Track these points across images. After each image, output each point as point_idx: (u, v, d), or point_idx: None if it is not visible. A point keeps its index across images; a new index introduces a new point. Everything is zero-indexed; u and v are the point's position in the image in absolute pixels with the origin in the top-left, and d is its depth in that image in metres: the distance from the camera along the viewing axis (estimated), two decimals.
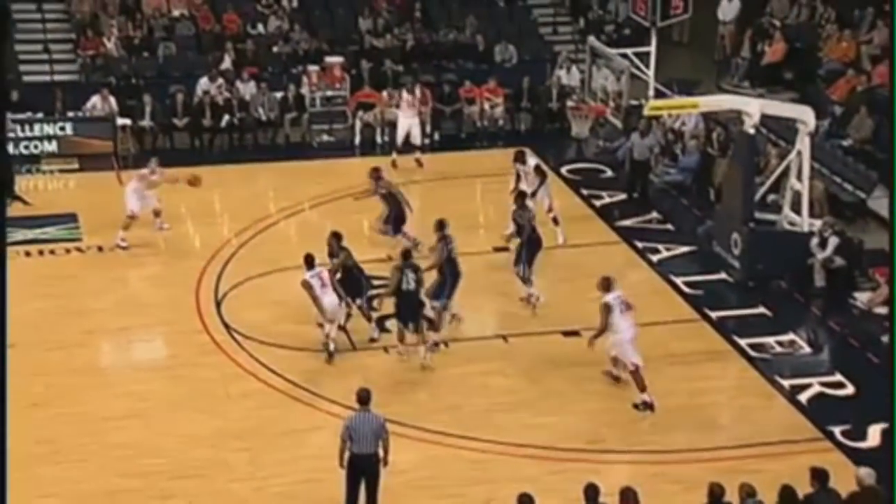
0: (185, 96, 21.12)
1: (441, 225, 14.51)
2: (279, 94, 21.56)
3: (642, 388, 12.92)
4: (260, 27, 23.22)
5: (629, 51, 21.93)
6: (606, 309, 12.94)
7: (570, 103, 22.09)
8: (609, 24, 24.16)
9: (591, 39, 22.90)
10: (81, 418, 12.69)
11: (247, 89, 21.48)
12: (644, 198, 18.73)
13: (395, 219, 16.46)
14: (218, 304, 15.29)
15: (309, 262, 13.91)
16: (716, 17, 24.13)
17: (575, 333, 14.55)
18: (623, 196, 18.89)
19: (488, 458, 12.11)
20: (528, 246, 15.13)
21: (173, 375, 13.67)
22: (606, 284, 13.18)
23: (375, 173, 16.65)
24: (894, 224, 14.19)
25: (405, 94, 20.09)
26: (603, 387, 13.44)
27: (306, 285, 13.72)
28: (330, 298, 13.75)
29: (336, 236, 14.58)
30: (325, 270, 13.93)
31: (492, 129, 21.77)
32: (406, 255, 14.08)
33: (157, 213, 17.24)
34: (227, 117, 21.11)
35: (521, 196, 15.95)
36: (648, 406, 12.90)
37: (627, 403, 13.06)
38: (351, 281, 14.45)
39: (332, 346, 13.79)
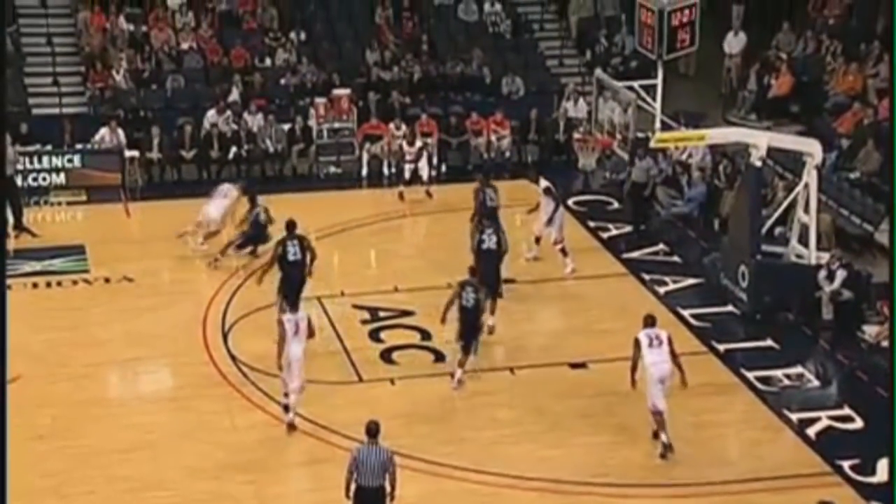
0: (193, 128, 21.23)
1: None
2: (287, 126, 21.66)
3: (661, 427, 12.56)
4: (268, 60, 23.35)
5: (636, 83, 21.99)
6: (636, 344, 12.60)
7: (576, 135, 22.15)
8: (616, 57, 24.25)
9: (598, 72, 22.99)
10: (87, 451, 12.65)
11: (254, 121, 21.58)
12: (643, 220, 18.90)
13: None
14: (224, 336, 15.28)
15: (294, 305, 13.32)
16: (722, 50, 24.22)
17: (582, 366, 14.52)
18: (631, 228, 18.93)
19: (495, 492, 12.04)
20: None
21: (179, 407, 13.64)
22: (648, 321, 12.81)
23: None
24: (894, 227, 14.13)
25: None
26: (610, 419, 13.38)
27: (280, 324, 13.03)
28: (296, 348, 12.87)
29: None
30: (306, 319, 13.13)
31: (498, 160, 21.83)
32: (472, 272, 14.28)
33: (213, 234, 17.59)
34: (234, 149, 21.20)
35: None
36: (668, 447, 12.60)
37: (636, 437, 13.00)
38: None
39: (291, 416, 12.95)
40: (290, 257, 14.89)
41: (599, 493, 12.01)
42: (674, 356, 12.64)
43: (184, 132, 21.17)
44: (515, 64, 23.89)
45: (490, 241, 15.29)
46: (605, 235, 18.78)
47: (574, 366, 14.56)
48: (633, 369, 12.68)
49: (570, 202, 19.91)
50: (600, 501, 11.53)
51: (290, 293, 14.27)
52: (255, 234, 17.03)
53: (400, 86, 22.82)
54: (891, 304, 14.27)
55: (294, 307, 13.26)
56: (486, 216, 16.12)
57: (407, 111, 22.20)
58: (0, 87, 8.71)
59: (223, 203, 17.66)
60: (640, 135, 21.24)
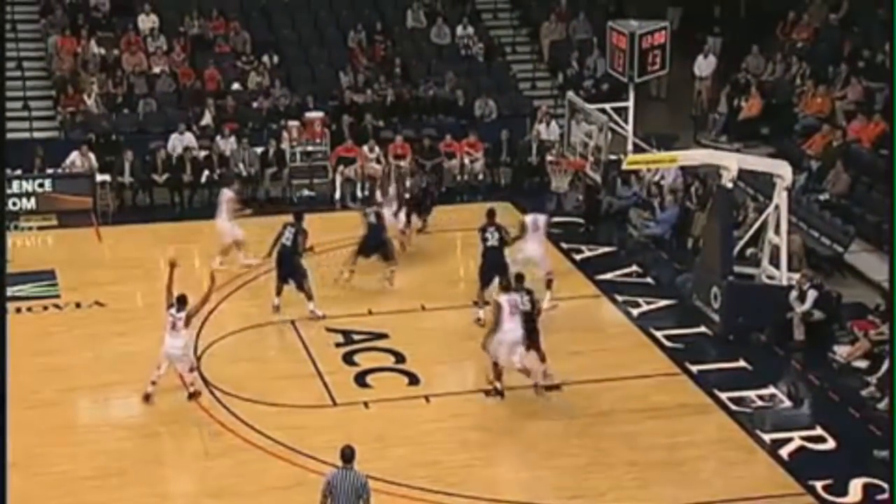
0: (165, 152, 21.17)
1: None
2: (259, 150, 21.63)
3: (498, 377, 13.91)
4: (240, 83, 23.33)
5: (607, 106, 22.10)
6: (498, 307, 13.74)
7: (549, 157, 22.22)
8: (587, 80, 24.41)
9: (570, 94, 23.09)
10: (58, 478, 12.52)
11: (227, 145, 21.54)
12: (594, 220, 19.84)
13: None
14: (197, 360, 15.17)
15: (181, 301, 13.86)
16: (693, 73, 24.42)
17: (556, 387, 14.52)
18: (605, 249, 19.06)
19: None
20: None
21: (151, 433, 13.53)
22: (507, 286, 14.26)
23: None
24: (894, 229, 14.17)
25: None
26: (584, 440, 13.39)
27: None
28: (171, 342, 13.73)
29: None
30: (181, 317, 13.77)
31: (472, 182, 21.90)
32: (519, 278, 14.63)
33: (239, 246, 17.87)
34: (206, 173, 21.15)
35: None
36: (499, 392, 13.92)
37: (610, 458, 13.02)
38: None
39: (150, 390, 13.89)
40: (284, 241, 16.25)
41: None
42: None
43: (156, 156, 21.12)
44: (488, 86, 24.00)
45: (493, 239, 16.00)
46: (577, 257, 18.84)
47: (548, 388, 14.55)
48: (493, 331, 13.80)
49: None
50: None
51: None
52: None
53: (373, 108, 22.87)
54: (891, 303, 14.31)
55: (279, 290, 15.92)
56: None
57: (380, 134, 22.23)
58: (0, 84, 8.61)
59: (222, 209, 17.89)
60: (613, 157, 21.35)
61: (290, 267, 16.23)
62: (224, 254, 17.82)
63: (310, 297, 16.12)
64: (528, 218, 16.92)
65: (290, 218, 16.76)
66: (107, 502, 12.11)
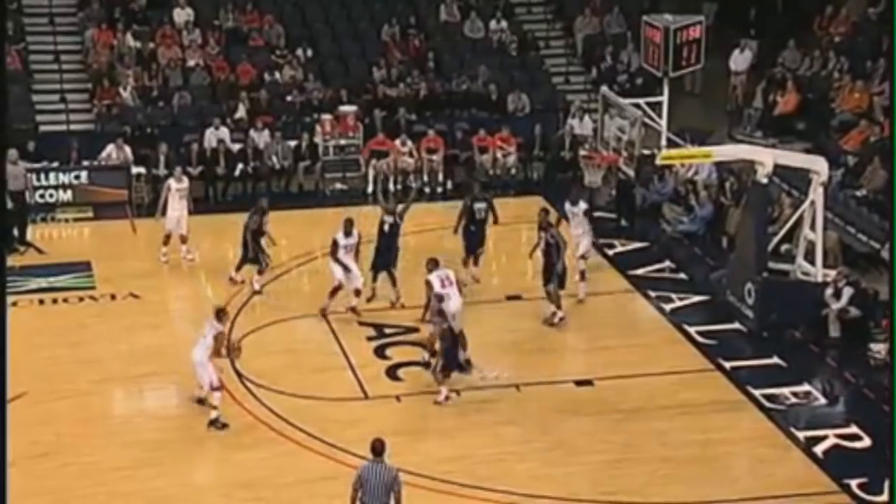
0: (200, 145, 21.28)
1: None
2: (293, 143, 21.69)
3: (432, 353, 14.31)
4: (275, 75, 23.40)
5: (641, 100, 21.97)
6: (429, 285, 14.27)
7: (582, 152, 22.13)
8: (621, 74, 24.28)
9: (604, 89, 22.98)
10: (91, 468, 12.61)
11: (260, 138, 21.63)
12: (631, 216, 19.71)
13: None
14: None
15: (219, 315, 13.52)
16: (728, 68, 24.23)
17: (588, 383, 14.48)
18: (638, 244, 18.95)
19: None
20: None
21: (184, 425, 13.60)
22: (431, 264, 14.55)
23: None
24: (894, 225, 14.09)
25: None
26: (615, 437, 13.33)
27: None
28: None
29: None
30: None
31: (504, 177, 21.85)
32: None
33: (183, 240, 17.71)
34: (240, 166, 21.24)
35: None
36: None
37: (641, 454, 12.96)
38: None
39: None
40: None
41: None
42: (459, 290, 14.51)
43: (190, 149, 21.23)
44: (521, 81, 23.92)
45: (481, 213, 16.29)
46: (610, 252, 18.76)
47: (579, 383, 14.52)
48: (426, 307, 14.50)
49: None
50: None
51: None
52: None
53: (406, 102, 22.86)
54: (891, 302, 14.22)
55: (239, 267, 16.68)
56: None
57: (413, 128, 22.24)
58: (1, 84, 8.71)
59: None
60: (646, 151, 21.23)
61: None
62: (165, 243, 17.90)
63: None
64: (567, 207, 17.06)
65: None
66: (139, 492, 12.19)
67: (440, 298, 14.18)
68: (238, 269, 17.07)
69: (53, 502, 11.98)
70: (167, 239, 17.86)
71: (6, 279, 7.79)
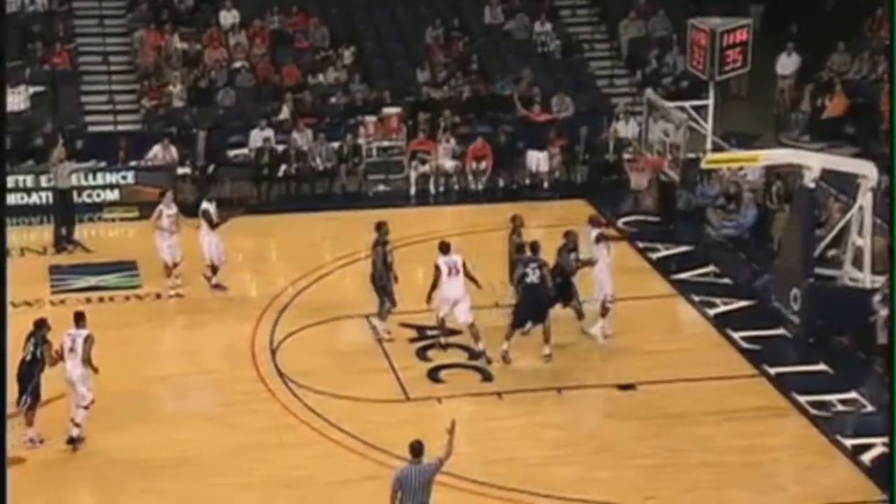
0: (245, 146, 21.40)
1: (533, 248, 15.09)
2: (336, 144, 21.76)
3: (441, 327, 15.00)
4: (320, 77, 23.49)
5: (687, 104, 21.85)
6: (437, 270, 14.70)
7: (627, 155, 22.03)
8: (667, 77, 24.13)
9: (649, 92, 22.87)
10: (135, 465, 12.69)
11: (304, 139, 21.72)
12: (670, 218, 19.56)
13: None
14: (273, 353, 15.33)
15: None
16: (775, 71, 23.99)
17: (630, 387, 14.39)
18: (682, 248, 18.81)
19: None
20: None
21: (226, 423, 13.68)
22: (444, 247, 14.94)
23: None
24: (894, 219, 13.88)
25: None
26: (659, 441, 13.23)
27: None
28: None
29: None
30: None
31: (548, 180, 21.77)
32: (533, 247, 14.99)
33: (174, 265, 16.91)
34: (284, 167, 21.35)
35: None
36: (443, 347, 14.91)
37: (685, 459, 12.85)
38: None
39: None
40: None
41: None
42: (468, 276, 14.90)
43: (235, 149, 21.35)
44: (565, 83, 23.84)
45: (534, 276, 14.78)
46: (654, 256, 18.64)
47: (623, 387, 14.43)
48: (432, 290, 14.82)
49: (619, 223, 19.81)
50: None
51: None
52: None
53: (450, 104, 22.86)
54: (892, 301, 14.01)
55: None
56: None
57: (457, 130, 22.24)
58: (0, 81, 8.80)
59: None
60: (692, 155, 21.10)
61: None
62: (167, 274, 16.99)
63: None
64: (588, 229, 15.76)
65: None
66: (182, 490, 12.27)
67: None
68: None
69: (98, 499, 12.08)
70: (168, 270, 16.99)
71: (6, 281, 7.76)
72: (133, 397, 14.19)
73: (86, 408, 12.91)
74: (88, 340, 12.95)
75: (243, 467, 12.72)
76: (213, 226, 16.85)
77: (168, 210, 17.12)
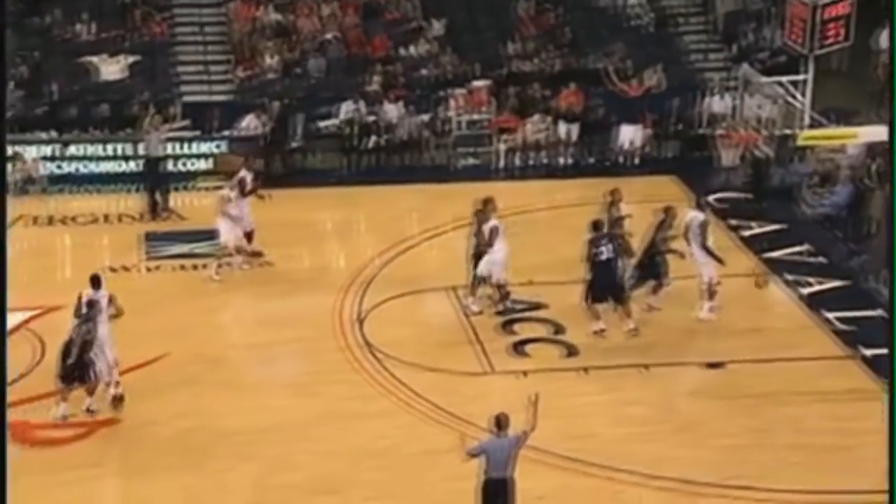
0: (334, 117, 21.52)
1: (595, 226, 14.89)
2: (424, 117, 21.77)
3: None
4: (410, 49, 23.49)
5: (784, 79, 21.37)
6: (496, 230, 15.02)
7: (719, 131, 21.65)
8: (762, 51, 23.60)
9: (744, 66, 22.41)
10: (221, 432, 12.89)
11: (393, 111, 21.76)
12: (763, 195, 19.14)
13: None
14: (360, 323, 15.45)
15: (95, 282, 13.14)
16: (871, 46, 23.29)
17: (719, 365, 14.19)
18: (775, 226, 18.50)
19: (622, 490, 11.87)
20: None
21: (312, 392, 13.83)
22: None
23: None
24: (895, 219, 13.42)
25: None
26: (746, 421, 13.04)
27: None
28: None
29: None
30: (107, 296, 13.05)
31: (637, 155, 21.51)
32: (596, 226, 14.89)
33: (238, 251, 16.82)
34: (372, 138, 21.43)
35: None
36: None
37: (773, 440, 12.65)
38: None
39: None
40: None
41: (731, 497, 11.72)
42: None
43: (325, 120, 21.46)
44: (657, 57, 23.47)
45: (608, 252, 14.72)
46: (745, 234, 18.31)
47: (711, 365, 14.24)
48: (486, 246, 15.09)
49: (710, 199, 19.44)
50: None
51: None
52: None
53: (540, 78, 22.68)
54: (891, 302, 13.56)
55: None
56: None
57: (547, 103, 22.06)
58: (1, 80, 8.94)
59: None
60: (787, 131, 20.66)
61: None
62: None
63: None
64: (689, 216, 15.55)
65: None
66: (267, 456, 12.44)
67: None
68: None
69: (188, 462, 12.34)
70: (249, 238, 16.98)
71: (6, 281, 7.86)
72: (217, 364, 14.41)
73: (115, 365, 13.01)
74: (113, 300, 13.09)
75: (328, 435, 12.87)
76: (244, 194, 16.89)
77: (250, 176, 17.23)
